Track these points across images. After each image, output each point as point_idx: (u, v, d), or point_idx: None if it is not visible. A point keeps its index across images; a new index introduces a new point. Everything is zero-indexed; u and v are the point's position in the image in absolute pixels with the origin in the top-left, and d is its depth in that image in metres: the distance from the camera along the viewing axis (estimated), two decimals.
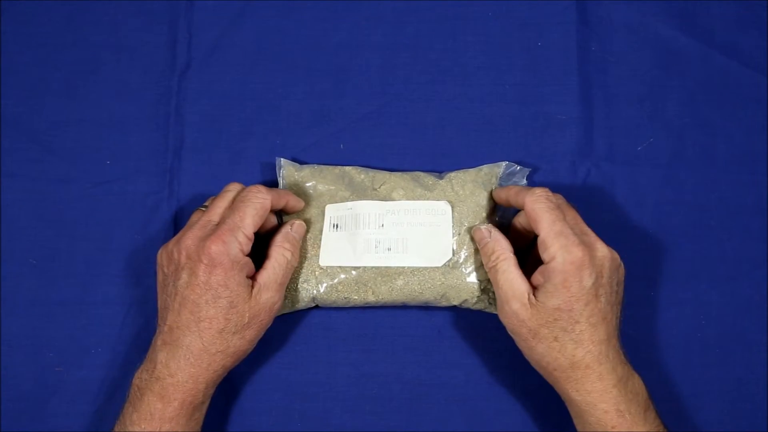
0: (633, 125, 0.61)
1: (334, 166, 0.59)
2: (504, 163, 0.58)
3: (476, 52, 0.63)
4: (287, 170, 0.58)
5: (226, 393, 0.57)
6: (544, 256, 0.49)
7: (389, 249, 0.55)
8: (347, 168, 0.58)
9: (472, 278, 0.54)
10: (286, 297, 0.55)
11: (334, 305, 0.56)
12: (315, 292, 0.55)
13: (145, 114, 0.61)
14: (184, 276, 0.49)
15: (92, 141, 0.61)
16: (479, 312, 0.56)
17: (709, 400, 0.57)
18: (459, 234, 0.55)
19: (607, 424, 0.47)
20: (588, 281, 0.48)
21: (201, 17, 0.63)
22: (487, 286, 0.54)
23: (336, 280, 0.55)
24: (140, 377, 0.50)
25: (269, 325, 0.52)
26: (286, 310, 0.56)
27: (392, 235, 0.55)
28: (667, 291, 0.59)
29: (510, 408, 0.57)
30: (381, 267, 0.54)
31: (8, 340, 0.57)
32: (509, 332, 0.51)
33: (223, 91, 0.62)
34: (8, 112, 0.61)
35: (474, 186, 0.56)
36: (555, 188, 0.60)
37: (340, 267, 0.55)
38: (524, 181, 0.58)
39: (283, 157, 0.58)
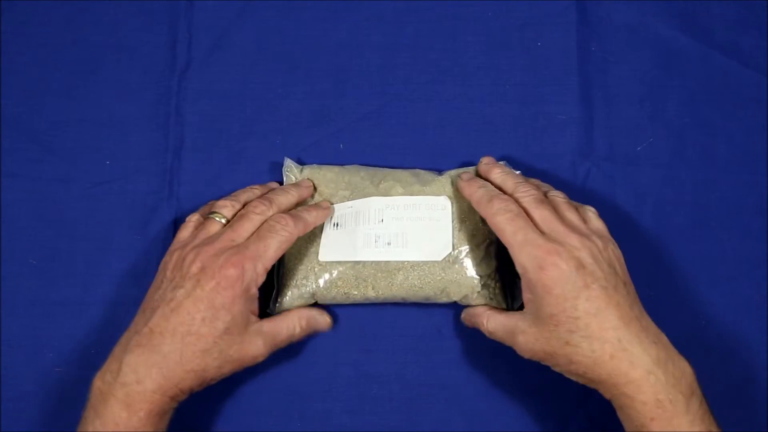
0: (633, 125, 0.61)
1: (333, 166, 0.59)
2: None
3: (476, 52, 0.63)
4: (290, 170, 0.58)
5: (226, 393, 0.57)
6: (517, 269, 0.48)
7: (389, 243, 0.55)
8: (347, 167, 0.58)
9: (473, 273, 0.54)
10: (285, 294, 0.55)
11: (334, 302, 0.56)
12: (314, 287, 0.55)
13: (145, 114, 0.61)
14: (188, 286, 0.48)
15: (92, 141, 0.61)
16: None
17: (709, 400, 0.57)
18: (459, 230, 0.55)
19: (646, 416, 0.44)
20: (568, 276, 0.46)
21: (201, 17, 0.63)
22: (487, 282, 0.54)
23: (335, 275, 0.55)
24: (102, 379, 0.48)
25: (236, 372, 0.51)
26: (286, 308, 0.56)
27: (392, 230, 0.55)
28: (667, 291, 0.59)
29: (510, 408, 0.57)
30: (381, 262, 0.54)
31: (8, 340, 0.57)
32: (539, 361, 0.49)
33: (223, 91, 0.62)
34: (8, 112, 0.61)
35: None
36: (555, 188, 0.60)
37: (339, 262, 0.55)
38: None
39: (286, 157, 0.58)
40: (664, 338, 0.47)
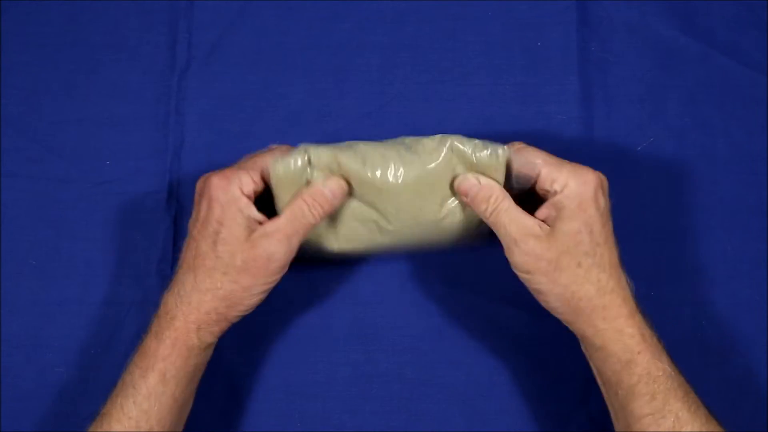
0: (633, 125, 0.61)
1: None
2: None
3: (476, 52, 0.63)
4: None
5: (226, 393, 0.57)
6: (555, 186, 0.48)
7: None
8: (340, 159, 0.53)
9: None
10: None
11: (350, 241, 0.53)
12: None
13: (145, 114, 0.61)
14: (193, 214, 0.51)
15: (92, 141, 0.61)
16: (479, 312, 0.56)
17: (709, 400, 0.57)
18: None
19: (634, 348, 0.47)
20: (602, 202, 0.48)
21: (201, 17, 0.63)
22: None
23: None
24: (149, 324, 0.51)
25: (272, 281, 0.50)
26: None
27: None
28: (667, 291, 0.59)
29: (510, 408, 0.57)
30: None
31: (8, 340, 0.57)
32: (523, 274, 0.48)
33: (223, 91, 0.62)
34: (8, 112, 0.61)
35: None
36: None
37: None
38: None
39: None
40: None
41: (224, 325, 0.51)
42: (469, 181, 0.50)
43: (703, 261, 0.59)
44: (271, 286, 0.50)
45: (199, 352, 0.50)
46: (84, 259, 0.59)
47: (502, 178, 0.51)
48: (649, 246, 0.59)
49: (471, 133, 0.61)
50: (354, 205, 0.52)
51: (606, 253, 0.48)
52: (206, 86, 0.62)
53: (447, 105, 0.62)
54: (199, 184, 0.51)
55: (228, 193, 0.48)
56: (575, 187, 0.48)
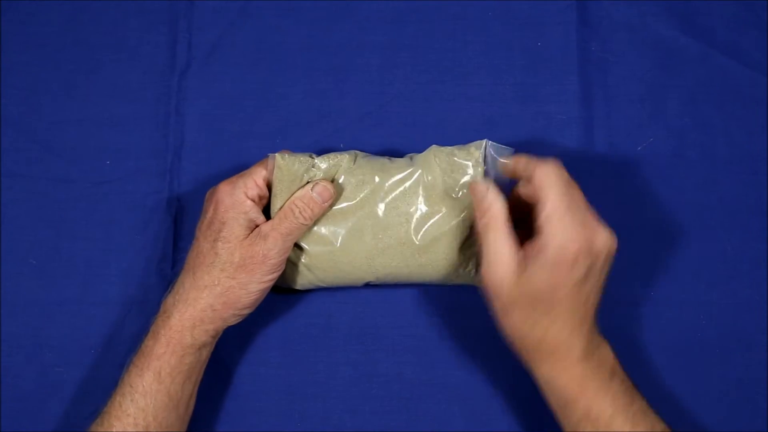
0: (633, 125, 0.61)
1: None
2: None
3: (476, 52, 0.63)
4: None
5: (226, 393, 0.57)
6: (546, 229, 0.47)
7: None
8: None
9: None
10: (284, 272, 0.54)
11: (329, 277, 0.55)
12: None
13: (145, 114, 0.61)
14: (201, 218, 0.53)
15: (92, 141, 0.61)
16: (479, 312, 0.56)
17: (709, 400, 0.57)
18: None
19: (569, 395, 0.47)
20: (581, 269, 0.46)
21: (201, 17, 0.63)
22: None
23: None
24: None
25: (267, 281, 0.51)
26: (287, 285, 0.56)
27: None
28: (667, 291, 0.59)
29: (510, 408, 0.57)
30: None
31: (8, 340, 0.58)
32: (486, 295, 0.49)
33: (223, 91, 0.62)
34: (8, 112, 0.61)
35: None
36: None
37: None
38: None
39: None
40: (597, 331, 0.49)
41: (219, 325, 0.51)
42: (479, 187, 0.51)
43: (703, 261, 0.59)
44: (267, 285, 0.52)
45: (194, 351, 0.51)
46: (84, 259, 0.59)
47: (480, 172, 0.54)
48: (649, 246, 0.59)
49: (471, 133, 0.61)
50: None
51: (564, 313, 0.47)
52: (206, 86, 0.62)
53: (447, 105, 0.62)
54: (208, 193, 0.53)
55: (233, 196, 0.51)
56: (559, 244, 0.46)
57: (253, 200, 0.52)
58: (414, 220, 0.54)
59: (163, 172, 0.60)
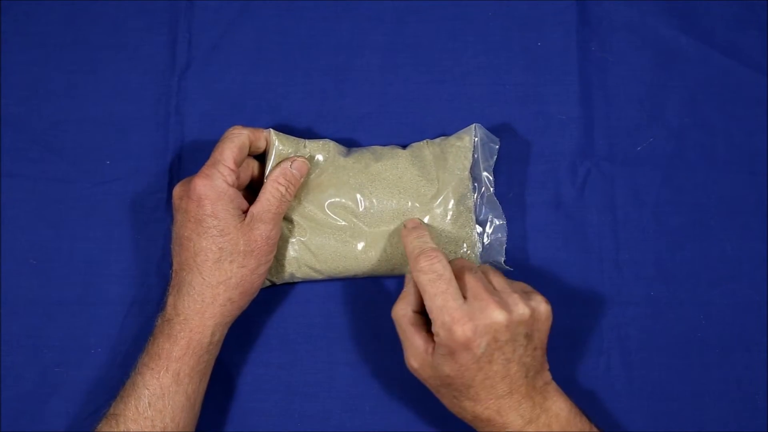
0: (633, 125, 0.61)
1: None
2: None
3: (476, 52, 0.63)
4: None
5: (226, 393, 0.57)
6: (433, 328, 0.48)
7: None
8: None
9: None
10: (275, 269, 0.56)
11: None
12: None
13: (145, 114, 0.61)
14: (178, 217, 0.52)
15: (92, 141, 0.61)
16: None
17: (709, 400, 0.57)
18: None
19: None
20: (477, 352, 0.46)
21: (201, 17, 0.63)
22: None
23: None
24: (156, 323, 0.52)
25: (269, 261, 0.53)
26: (280, 281, 0.57)
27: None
28: (667, 291, 0.59)
29: None
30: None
31: (8, 340, 0.57)
32: None
33: (223, 91, 0.62)
34: (8, 112, 0.61)
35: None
36: (555, 188, 0.60)
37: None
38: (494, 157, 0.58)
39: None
40: (548, 389, 0.49)
41: (236, 315, 0.53)
42: (407, 278, 0.52)
43: (703, 261, 0.59)
44: (270, 264, 0.53)
45: (212, 349, 0.52)
46: (84, 259, 0.59)
47: (468, 163, 0.56)
48: (649, 246, 0.59)
49: None
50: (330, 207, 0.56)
51: (482, 390, 0.47)
52: (206, 86, 0.62)
53: (447, 105, 0.62)
54: (178, 191, 0.53)
55: (216, 188, 0.51)
56: (444, 340, 0.47)
57: (233, 186, 0.52)
58: (406, 205, 0.55)
59: (163, 172, 0.60)
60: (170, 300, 0.52)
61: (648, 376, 0.57)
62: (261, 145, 0.55)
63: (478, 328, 0.46)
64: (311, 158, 0.56)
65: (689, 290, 0.59)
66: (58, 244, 0.59)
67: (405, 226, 0.54)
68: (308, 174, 0.56)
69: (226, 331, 0.53)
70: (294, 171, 0.54)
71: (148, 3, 0.63)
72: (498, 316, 0.47)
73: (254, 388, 0.57)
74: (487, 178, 0.56)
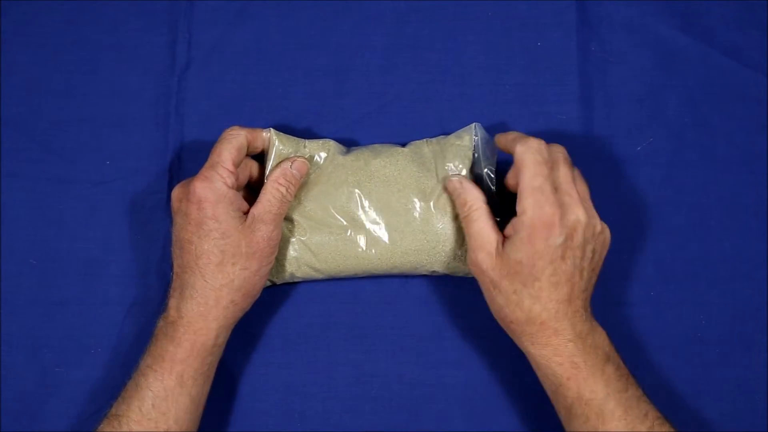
0: (633, 125, 0.61)
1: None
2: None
3: (476, 52, 0.63)
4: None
5: (226, 393, 0.57)
6: (518, 207, 0.49)
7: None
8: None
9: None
10: (275, 269, 0.56)
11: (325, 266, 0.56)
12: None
13: (145, 114, 0.61)
14: (178, 220, 0.52)
15: (92, 141, 0.61)
16: (479, 312, 0.56)
17: (709, 400, 0.57)
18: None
19: (562, 375, 0.49)
20: (555, 240, 0.48)
21: (201, 17, 0.63)
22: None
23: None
24: (157, 325, 0.52)
25: (270, 262, 0.53)
26: (281, 281, 0.57)
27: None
28: (667, 291, 0.59)
29: (510, 408, 0.57)
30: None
31: (8, 340, 0.58)
32: (478, 281, 0.52)
33: (223, 91, 0.62)
34: (8, 112, 0.61)
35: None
36: None
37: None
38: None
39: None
40: (590, 317, 0.51)
41: (239, 317, 0.53)
42: (453, 183, 0.54)
43: (703, 261, 0.59)
44: (272, 265, 0.53)
45: (216, 350, 0.52)
46: (84, 259, 0.59)
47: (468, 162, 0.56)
48: (649, 246, 0.59)
49: None
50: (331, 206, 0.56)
51: (546, 288, 0.48)
52: (206, 86, 0.62)
53: (447, 105, 0.62)
54: (177, 193, 0.53)
55: (216, 191, 0.51)
56: (530, 218, 0.48)
57: (233, 188, 0.52)
58: (405, 202, 0.55)
59: (163, 172, 0.60)
60: (172, 302, 0.51)
61: (648, 376, 0.57)
62: (259, 145, 0.55)
63: (563, 218, 0.48)
64: (311, 158, 0.56)
65: (689, 290, 0.59)
66: (58, 244, 0.59)
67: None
68: (308, 173, 0.56)
69: (229, 332, 0.53)
70: (294, 171, 0.54)
71: (148, 3, 0.63)
72: (582, 217, 0.49)
73: (254, 388, 0.57)
74: (488, 176, 0.56)
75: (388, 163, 0.56)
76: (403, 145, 0.59)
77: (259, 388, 0.57)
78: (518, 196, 0.49)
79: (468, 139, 0.57)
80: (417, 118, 0.61)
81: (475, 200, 0.52)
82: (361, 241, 0.55)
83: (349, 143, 0.60)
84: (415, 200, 0.55)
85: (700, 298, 0.59)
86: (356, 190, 0.55)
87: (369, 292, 0.59)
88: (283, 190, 0.53)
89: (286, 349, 0.58)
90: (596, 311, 0.58)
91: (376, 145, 0.58)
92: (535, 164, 0.49)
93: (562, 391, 0.49)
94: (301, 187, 0.55)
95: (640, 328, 0.58)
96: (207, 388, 0.52)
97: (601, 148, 0.61)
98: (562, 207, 0.48)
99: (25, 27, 0.63)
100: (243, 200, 0.53)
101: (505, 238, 0.50)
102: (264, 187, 0.53)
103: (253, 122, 0.61)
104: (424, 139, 0.58)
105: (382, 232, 0.55)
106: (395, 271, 0.57)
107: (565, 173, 0.50)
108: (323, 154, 0.56)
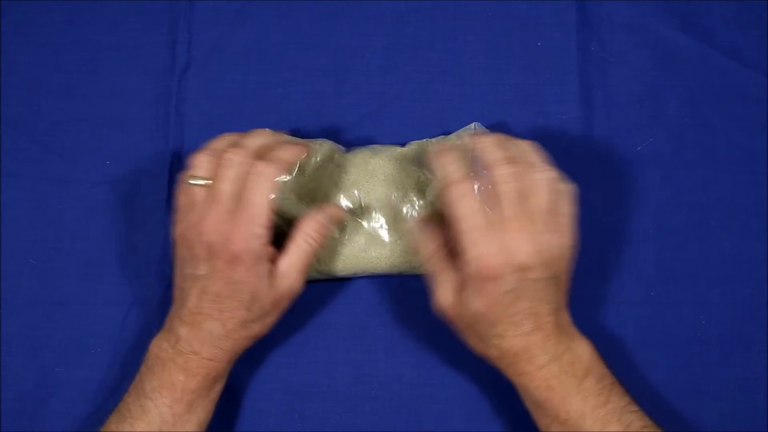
0: (633, 125, 0.61)
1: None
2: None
3: (476, 52, 0.63)
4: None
5: (226, 393, 0.57)
6: (461, 256, 0.47)
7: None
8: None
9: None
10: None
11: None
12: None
13: (145, 114, 0.61)
14: (204, 268, 0.49)
15: (92, 141, 0.61)
16: None
17: (709, 400, 0.57)
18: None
19: (539, 398, 0.48)
20: (507, 287, 0.46)
21: (201, 17, 0.63)
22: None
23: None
24: (160, 346, 0.50)
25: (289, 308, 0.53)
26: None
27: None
28: (667, 291, 0.59)
29: (510, 408, 0.57)
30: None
31: (8, 340, 0.57)
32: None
33: (223, 91, 0.62)
34: (8, 112, 0.61)
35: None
36: None
37: None
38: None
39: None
40: (571, 329, 0.50)
41: (249, 345, 0.53)
42: (411, 227, 0.54)
43: (703, 261, 0.59)
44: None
45: (223, 378, 0.52)
46: (84, 259, 0.59)
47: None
48: (649, 246, 0.59)
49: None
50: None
51: (510, 327, 0.47)
52: (206, 86, 0.62)
53: (447, 105, 0.62)
54: (189, 232, 0.49)
55: (253, 253, 0.48)
56: (474, 270, 0.46)
57: (268, 245, 0.49)
58: (404, 201, 0.55)
59: (163, 173, 0.60)
60: (183, 333, 0.49)
61: (648, 376, 0.57)
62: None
63: (509, 263, 0.46)
64: (310, 158, 0.56)
65: (689, 290, 0.59)
66: (58, 244, 0.59)
67: (431, 148, 0.54)
68: (307, 173, 0.55)
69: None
70: (323, 220, 0.52)
71: (148, 3, 0.63)
72: (528, 248, 0.46)
73: (254, 388, 0.57)
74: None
75: (386, 163, 0.56)
76: (403, 145, 0.59)
77: (259, 388, 0.57)
78: (457, 240, 0.47)
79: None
80: (417, 118, 0.61)
81: (425, 249, 0.51)
82: (361, 241, 0.55)
83: (349, 143, 0.60)
84: (414, 200, 0.55)
85: (700, 298, 0.59)
86: (355, 190, 0.55)
87: (369, 292, 0.59)
88: (313, 243, 0.51)
89: (286, 349, 0.58)
90: (596, 311, 0.59)
91: (375, 145, 0.58)
92: (463, 218, 0.46)
93: (541, 412, 0.49)
94: (300, 186, 0.55)
95: (640, 328, 0.58)
96: (213, 408, 0.52)
97: (601, 148, 0.61)
98: (505, 252, 0.46)
99: (25, 27, 0.63)
100: (272, 251, 0.50)
101: (460, 280, 0.48)
102: (294, 236, 0.51)
103: (253, 122, 0.61)
104: (425, 140, 0.58)
105: (381, 232, 0.55)
106: (395, 271, 0.57)
107: (505, 205, 0.46)
108: (322, 155, 0.56)
